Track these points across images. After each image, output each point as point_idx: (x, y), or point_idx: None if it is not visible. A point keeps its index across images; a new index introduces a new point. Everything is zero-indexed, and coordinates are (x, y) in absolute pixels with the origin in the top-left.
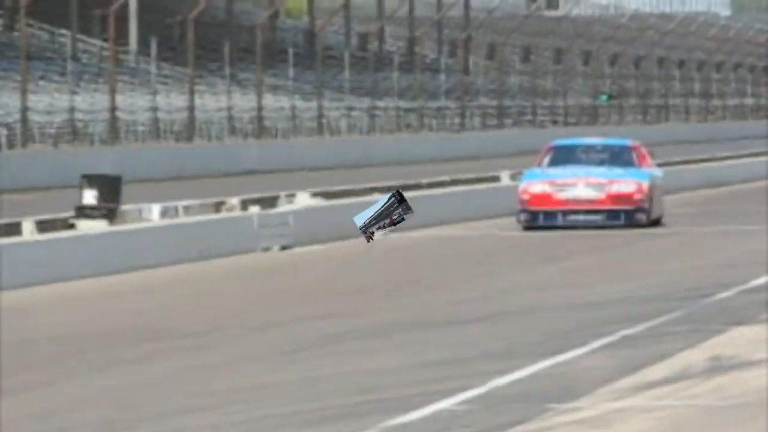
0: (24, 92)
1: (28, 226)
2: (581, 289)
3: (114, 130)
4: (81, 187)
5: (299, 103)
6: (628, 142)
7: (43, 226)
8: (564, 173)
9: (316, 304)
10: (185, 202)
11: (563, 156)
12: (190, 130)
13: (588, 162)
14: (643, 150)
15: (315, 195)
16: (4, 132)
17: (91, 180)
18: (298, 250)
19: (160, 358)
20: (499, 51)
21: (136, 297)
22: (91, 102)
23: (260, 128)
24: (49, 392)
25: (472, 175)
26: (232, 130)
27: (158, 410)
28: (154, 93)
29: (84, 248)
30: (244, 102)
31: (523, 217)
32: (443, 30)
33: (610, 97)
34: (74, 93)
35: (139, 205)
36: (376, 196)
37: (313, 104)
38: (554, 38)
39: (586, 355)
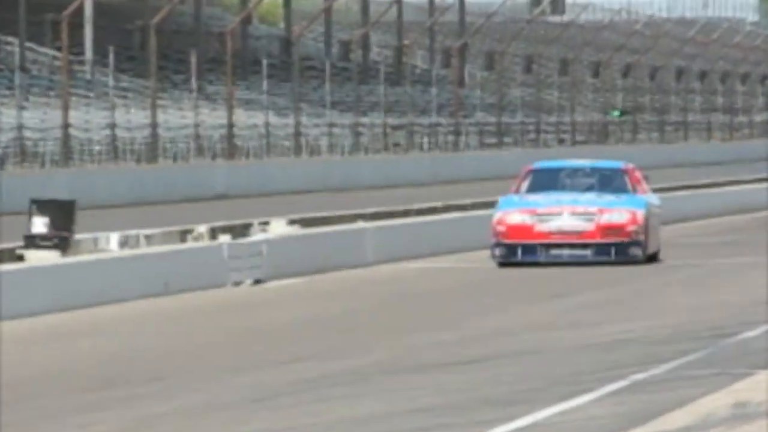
0: None
1: None
2: (588, 329)
3: (67, 150)
4: (30, 214)
5: (274, 119)
6: (620, 165)
7: None
8: (546, 201)
9: (292, 344)
10: (147, 231)
11: (544, 180)
12: (152, 149)
13: (574, 187)
14: (638, 173)
15: (292, 223)
16: None
17: (42, 206)
18: (272, 284)
19: (117, 406)
20: (498, 61)
21: (92, 336)
22: (41, 118)
23: (231, 148)
24: None
25: (467, 201)
26: (200, 150)
27: None
28: (112, 108)
29: (34, 282)
30: (212, 118)
31: (498, 251)
32: (435, 37)
33: (623, 112)
34: (23, 108)
35: (96, 234)
36: (360, 223)
37: (290, 121)
38: (560, 47)
39: (593, 402)
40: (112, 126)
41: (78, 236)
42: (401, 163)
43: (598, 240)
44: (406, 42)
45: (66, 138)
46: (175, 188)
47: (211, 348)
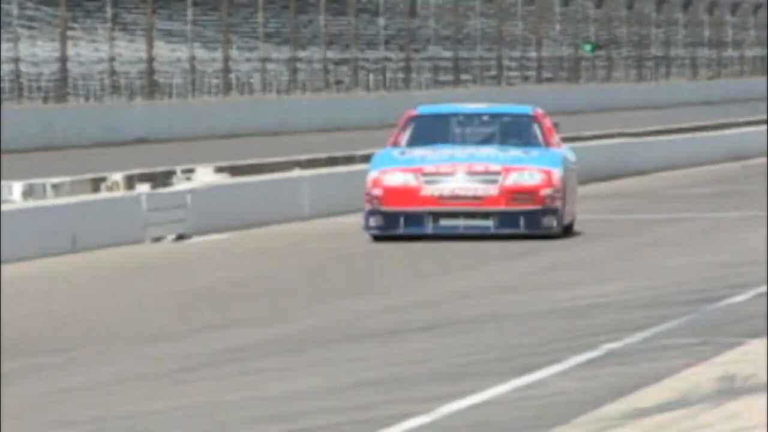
0: None
1: None
2: (556, 292)
3: None
4: None
5: (200, 53)
6: (528, 110)
7: None
8: (435, 157)
9: (217, 309)
10: (54, 180)
11: (432, 130)
12: (61, 87)
13: (469, 140)
14: (548, 121)
15: (219, 170)
16: None
17: None
18: (197, 239)
19: (19, 380)
20: None
21: None
22: None
23: (151, 85)
24: None
25: None
26: (116, 88)
27: None
28: (16, 40)
29: None
30: (130, 52)
31: (372, 221)
32: None
33: (596, 47)
34: None
35: None
36: (296, 171)
37: (218, 55)
38: None
39: (560, 375)
40: (16, 60)
41: None
42: (344, 103)
43: (503, 207)
44: None
45: None
46: (87, 131)
47: (125, 313)
